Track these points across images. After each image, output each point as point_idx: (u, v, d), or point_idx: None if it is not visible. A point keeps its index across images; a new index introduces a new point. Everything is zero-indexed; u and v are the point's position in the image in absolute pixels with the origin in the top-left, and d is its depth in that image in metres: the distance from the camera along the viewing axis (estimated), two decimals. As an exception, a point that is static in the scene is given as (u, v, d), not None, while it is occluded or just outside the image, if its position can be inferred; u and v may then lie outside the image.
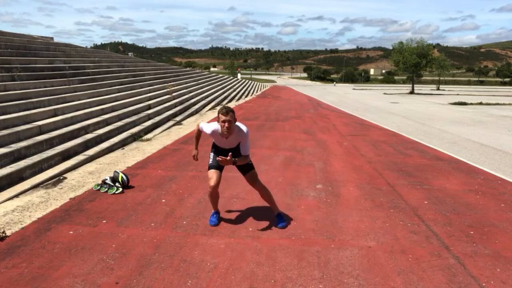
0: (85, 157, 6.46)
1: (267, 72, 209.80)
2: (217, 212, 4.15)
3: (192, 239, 3.65)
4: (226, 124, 3.59)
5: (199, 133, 4.07)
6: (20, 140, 5.93)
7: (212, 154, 3.99)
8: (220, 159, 3.66)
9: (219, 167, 3.90)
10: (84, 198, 4.71)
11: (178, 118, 12.12)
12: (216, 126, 3.76)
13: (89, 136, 7.35)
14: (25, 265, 3.08)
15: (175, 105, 13.51)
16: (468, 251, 3.54)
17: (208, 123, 3.92)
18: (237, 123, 3.74)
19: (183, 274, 3.02)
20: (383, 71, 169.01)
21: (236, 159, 3.77)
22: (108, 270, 3.04)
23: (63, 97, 8.46)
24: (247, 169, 3.97)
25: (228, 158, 3.64)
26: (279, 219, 4.04)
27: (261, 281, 2.95)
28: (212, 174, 3.87)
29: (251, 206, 4.53)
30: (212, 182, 3.84)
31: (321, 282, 2.97)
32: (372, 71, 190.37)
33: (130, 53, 55.31)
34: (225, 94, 22.59)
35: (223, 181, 5.57)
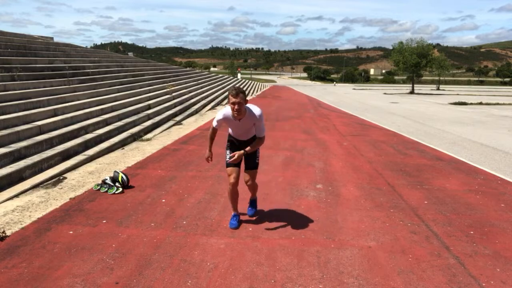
0: (85, 157, 6.45)
1: (267, 72, 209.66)
2: (237, 215, 4.07)
3: (192, 239, 3.65)
4: (236, 106, 3.47)
5: (213, 132, 3.94)
6: (20, 140, 5.93)
7: (228, 151, 3.91)
8: (232, 159, 3.66)
9: (237, 163, 3.84)
10: (84, 198, 4.71)
11: (178, 118, 12.12)
12: (227, 110, 3.66)
13: (89, 136, 7.35)
14: (25, 265, 3.08)
15: (175, 105, 13.51)
16: (468, 251, 3.55)
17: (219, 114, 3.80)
18: (250, 105, 3.64)
19: (183, 274, 3.02)
20: (383, 71, 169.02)
21: (247, 149, 3.74)
22: (108, 270, 3.04)
23: (63, 97, 8.45)
24: (252, 166, 3.93)
25: (237, 155, 3.65)
26: (251, 205, 4.26)
27: (261, 281, 2.95)
28: (231, 171, 3.83)
29: (251, 206, 4.53)
30: (232, 179, 3.80)
31: (321, 282, 2.97)
32: (372, 71, 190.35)
33: (130, 53, 55.27)
34: (225, 94, 22.57)
35: (223, 181, 5.59)
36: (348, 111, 17.68)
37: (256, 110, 3.67)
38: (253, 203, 4.31)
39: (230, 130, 3.91)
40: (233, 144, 3.94)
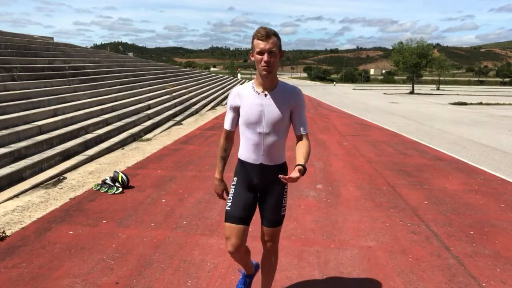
0: (85, 157, 6.45)
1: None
2: (248, 276, 2.62)
3: (192, 239, 3.65)
4: (266, 57, 1.99)
5: (226, 139, 2.35)
6: (20, 140, 5.93)
7: (232, 190, 2.32)
8: (285, 180, 1.99)
9: (243, 217, 2.25)
10: (84, 198, 4.71)
11: (178, 118, 12.12)
12: (241, 86, 2.27)
13: (89, 136, 7.35)
14: (25, 265, 3.08)
15: (175, 105, 13.51)
16: (468, 251, 3.54)
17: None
18: (283, 81, 2.30)
19: (183, 274, 3.02)
20: (383, 71, 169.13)
21: (302, 165, 2.12)
22: (108, 270, 3.04)
23: (63, 97, 8.46)
24: (275, 220, 2.31)
25: (294, 175, 2.01)
26: None
27: (261, 281, 2.95)
28: (230, 231, 2.23)
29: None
30: (230, 246, 2.24)
31: (321, 282, 2.97)
32: (372, 71, 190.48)
33: (130, 53, 55.28)
34: (225, 94, 22.59)
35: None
36: (348, 111, 17.68)
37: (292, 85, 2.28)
38: None
39: (242, 143, 2.28)
40: (244, 176, 2.29)
